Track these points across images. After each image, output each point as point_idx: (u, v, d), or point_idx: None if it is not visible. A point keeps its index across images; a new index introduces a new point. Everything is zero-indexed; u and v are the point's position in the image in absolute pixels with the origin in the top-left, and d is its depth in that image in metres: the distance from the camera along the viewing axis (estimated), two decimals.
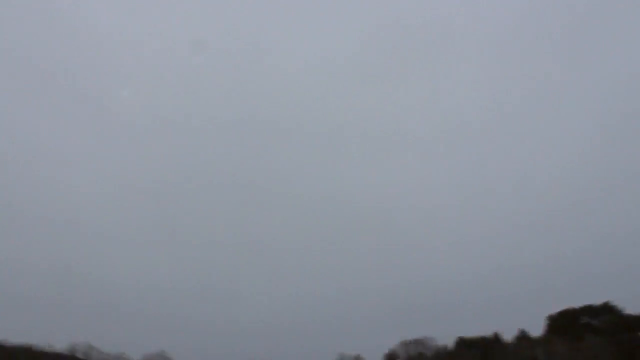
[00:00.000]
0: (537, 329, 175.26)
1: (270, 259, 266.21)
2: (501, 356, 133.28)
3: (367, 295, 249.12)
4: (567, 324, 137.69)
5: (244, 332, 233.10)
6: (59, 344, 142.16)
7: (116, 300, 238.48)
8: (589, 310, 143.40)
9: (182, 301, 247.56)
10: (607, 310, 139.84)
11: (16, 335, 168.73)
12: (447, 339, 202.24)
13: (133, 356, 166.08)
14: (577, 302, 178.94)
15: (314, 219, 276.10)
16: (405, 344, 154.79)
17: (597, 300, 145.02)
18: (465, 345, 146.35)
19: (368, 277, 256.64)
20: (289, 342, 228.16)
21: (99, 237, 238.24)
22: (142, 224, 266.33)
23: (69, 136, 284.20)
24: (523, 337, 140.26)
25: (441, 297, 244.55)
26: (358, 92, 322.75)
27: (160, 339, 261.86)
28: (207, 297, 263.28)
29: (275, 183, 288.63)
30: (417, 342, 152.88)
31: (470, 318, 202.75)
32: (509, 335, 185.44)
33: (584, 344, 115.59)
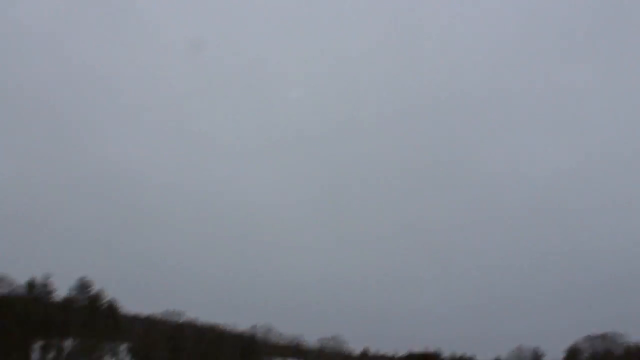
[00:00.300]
0: None
1: (445, 244, 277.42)
2: None
3: (548, 284, 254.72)
4: None
5: (418, 318, 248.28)
6: (242, 325, 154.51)
7: (295, 288, 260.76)
8: None
9: (359, 289, 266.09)
10: None
11: (204, 315, 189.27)
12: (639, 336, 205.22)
13: (309, 339, 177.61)
14: None
15: (495, 202, 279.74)
16: (591, 339, 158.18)
17: None
18: None
19: (549, 263, 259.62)
20: (465, 331, 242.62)
21: (277, 229, 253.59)
22: (316, 217, 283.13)
23: (244, 134, 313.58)
24: None
25: (633, 289, 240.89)
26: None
27: (335, 325, 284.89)
28: (383, 285, 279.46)
29: (443, 167, 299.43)
30: (603, 338, 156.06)
31: None
32: None
33: None
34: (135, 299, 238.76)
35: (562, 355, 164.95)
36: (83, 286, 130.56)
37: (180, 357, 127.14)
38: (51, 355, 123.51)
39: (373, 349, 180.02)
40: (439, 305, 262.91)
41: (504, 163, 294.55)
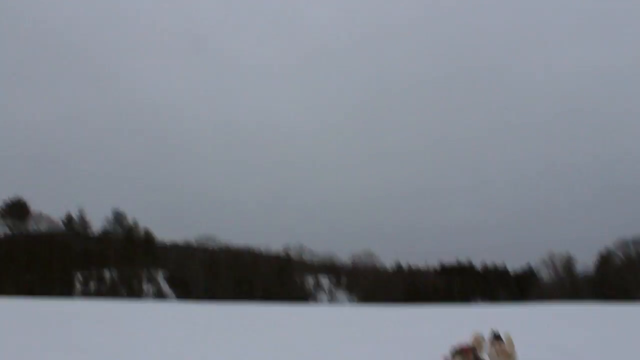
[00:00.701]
0: None
1: (476, 155, 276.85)
2: None
3: (580, 189, 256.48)
4: None
5: (450, 231, 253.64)
6: (275, 246, 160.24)
7: (327, 207, 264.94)
8: None
9: (390, 204, 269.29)
10: None
11: (238, 239, 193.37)
12: None
13: (341, 256, 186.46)
14: None
15: (528, 108, 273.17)
16: (623, 243, 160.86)
17: None
18: None
19: (580, 167, 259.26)
20: (496, 241, 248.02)
21: (307, 149, 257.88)
22: (347, 135, 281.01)
23: (271, 54, 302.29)
24: None
25: None
26: None
27: (367, 240, 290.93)
28: (414, 200, 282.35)
29: (474, 73, 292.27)
30: (636, 242, 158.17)
31: None
32: None
33: None
34: (170, 229, 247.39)
35: (594, 260, 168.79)
36: (118, 218, 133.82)
37: (217, 281, 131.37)
38: (92, 284, 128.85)
39: (405, 263, 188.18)
40: (471, 217, 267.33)
41: (538, 66, 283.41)
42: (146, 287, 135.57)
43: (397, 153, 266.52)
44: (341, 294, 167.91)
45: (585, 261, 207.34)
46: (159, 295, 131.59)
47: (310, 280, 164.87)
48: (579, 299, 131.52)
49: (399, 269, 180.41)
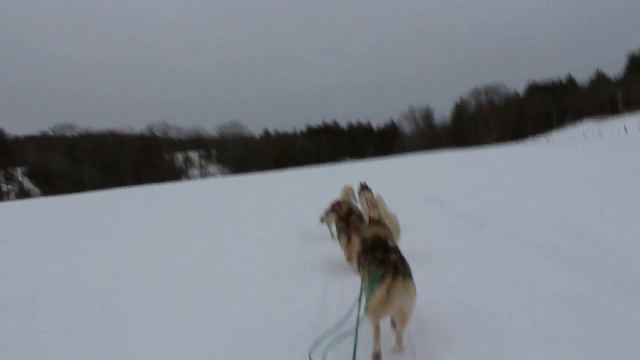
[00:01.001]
0: (615, 69, 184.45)
1: (334, 20, 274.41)
2: (575, 99, 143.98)
3: (435, 47, 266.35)
4: None
5: (317, 96, 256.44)
6: (139, 126, 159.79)
7: (190, 82, 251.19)
8: None
9: (251, 75, 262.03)
10: None
11: (100, 123, 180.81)
12: (518, 84, 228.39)
13: (208, 128, 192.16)
14: None
15: None
16: (475, 92, 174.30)
17: None
18: (537, 90, 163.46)
19: (433, 26, 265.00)
20: (361, 102, 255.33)
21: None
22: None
23: None
24: (599, 78, 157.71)
25: (512, 40, 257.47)
26: None
27: (232, 111, 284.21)
28: (274, 69, 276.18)
29: None
30: (487, 90, 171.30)
31: (542, 61, 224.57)
32: (583, 77, 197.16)
33: None
34: (24, 121, 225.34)
35: (450, 105, 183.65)
36: None
37: (81, 170, 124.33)
38: None
39: (273, 130, 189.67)
40: (334, 80, 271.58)
41: None
42: (6, 187, 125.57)
43: (253, 10, 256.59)
44: (212, 167, 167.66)
45: (443, 112, 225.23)
46: (22, 194, 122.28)
47: (179, 158, 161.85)
48: (438, 147, 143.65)
49: (267, 136, 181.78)
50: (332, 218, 10.51)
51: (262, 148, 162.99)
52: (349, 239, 8.36)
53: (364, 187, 13.13)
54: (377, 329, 4.47)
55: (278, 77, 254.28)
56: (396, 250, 4.97)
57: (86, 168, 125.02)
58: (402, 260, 4.79)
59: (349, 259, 8.31)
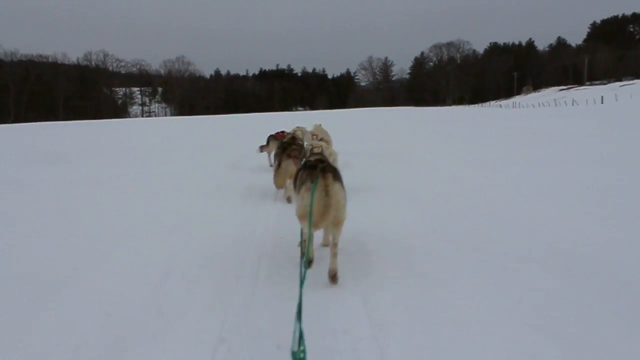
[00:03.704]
0: (576, 38, 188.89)
1: None
2: (536, 65, 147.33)
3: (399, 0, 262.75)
4: (612, 32, 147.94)
5: (271, 40, 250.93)
6: (73, 54, 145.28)
7: (133, 14, 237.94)
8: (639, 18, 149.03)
9: (204, 9, 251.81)
10: None
11: (29, 47, 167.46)
12: (479, 45, 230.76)
13: (151, 62, 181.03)
14: (625, 9, 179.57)
15: None
16: (437, 47, 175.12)
17: None
18: (497, 51, 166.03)
19: None
20: (318, 50, 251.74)
21: None
22: None
23: None
24: (560, 44, 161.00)
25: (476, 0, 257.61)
26: None
27: (180, 47, 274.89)
28: (229, 7, 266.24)
29: None
30: (449, 45, 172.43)
31: (505, 24, 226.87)
32: (545, 43, 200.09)
33: (631, 53, 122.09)
34: None
35: (410, 62, 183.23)
36: None
37: (6, 100, 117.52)
38: None
39: (225, 71, 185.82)
40: (291, 25, 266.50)
41: None
42: None
43: None
44: (156, 106, 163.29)
45: (402, 67, 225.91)
46: None
47: (119, 93, 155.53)
48: (394, 104, 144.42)
49: (217, 76, 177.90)
50: (274, 147, 10.69)
51: (211, 89, 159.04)
52: (279, 165, 8.44)
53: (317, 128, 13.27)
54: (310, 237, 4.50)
55: (232, 16, 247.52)
56: (329, 164, 5.13)
57: (10, 97, 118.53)
58: (334, 168, 4.97)
59: (277, 184, 8.42)
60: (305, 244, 4.66)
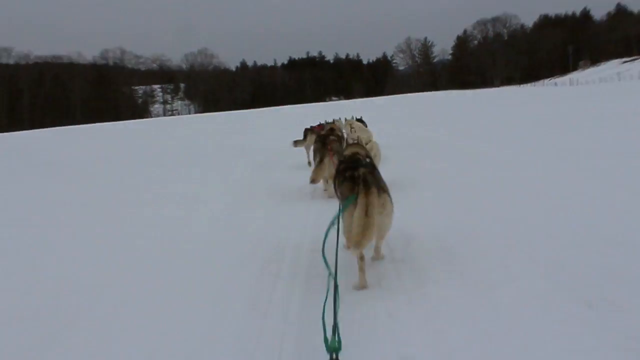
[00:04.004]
0: (637, 4, 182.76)
1: None
2: (591, 35, 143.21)
3: None
4: None
5: (300, 33, 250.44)
6: (89, 53, 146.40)
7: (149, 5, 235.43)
8: None
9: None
10: None
11: (42, 47, 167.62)
12: (528, 18, 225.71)
13: (172, 57, 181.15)
14: None
15: None
16: (481, 24, 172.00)
17: None
18: (549, 23, 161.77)
19: None
20: (352, 38, 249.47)
21: None
22: None
23: None
24: (620, 12, 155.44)
25: None
26: None
27: (200, 39, 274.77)
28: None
29: None
30: (494, 21, 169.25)
31: None
32: (602, 11, 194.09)
33: None
34: None
35: (452, 42, 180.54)
36: None
37: (21, 103, 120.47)
38: None
39: (251, 62, 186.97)
40: (320, 13, 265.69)
41: None
42: None
43: None
44: (179, 104, 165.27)
45: (443, 47, 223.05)
46: None
47: (139, 92, 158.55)
48: (437, 87, 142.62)
49: (243, 68, 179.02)
50: (311, 141, 10.50)
51: (237, 82, 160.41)
52: (321, 160, 8.41)
53: (355, 120, 13.37)
54: (361, 258, 4.57)
55: (257, 2, 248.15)
56: (368, 165, 5.16)
57: (26, 101, 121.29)
58: (374, 173, 4.98)
59: (313, 179, 8.39)
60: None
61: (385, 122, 24.60)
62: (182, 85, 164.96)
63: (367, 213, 4.37)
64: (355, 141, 6.80)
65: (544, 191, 7.46)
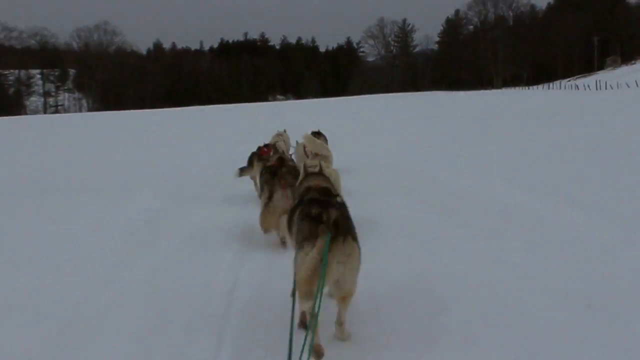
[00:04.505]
0: None
1: None
2: (623, 23, 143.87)
3: None
4: None
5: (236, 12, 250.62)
6: None
7: None
8: None
9: None
10: None
11: None
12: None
13: (59, 32, 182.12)
14: None
15: None
16: (479, 3, 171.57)
17: None
18: (568, 5, 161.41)
19: None
20: (305, 12, 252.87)
21: None
22: None
23: None
24: None
25: None
26: None
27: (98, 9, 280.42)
28: None
29: None
30: (496, 1, 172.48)
31: None
32: None
33: None
34: None
35: (439, 27, 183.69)
36: None
37: None
38: None
39: (167, 43, 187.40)
40: None
41: None
42: None
43: None
44: (67, 96, 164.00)
45: (427, 33, 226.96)
46: None
47: (10, 78, 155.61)
48: (416, 87, 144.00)
49: (158, 51, 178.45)
50: (258, 169, 11.08)
51: (148, 70, 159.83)
52: (270, 196, 8.55)
53: (313, 134, 13.92)
54: (312, 317, 4.56)
55: None
56: (339, 206, 5.32)
57: None
58: (347, 218, 5.20)
59: (265, 226, 8.52)
60: (304, 319, 4.99)
61: (346, 134, 24.48)
62: (71, 71, 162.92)
63: (321, 259, 4.50)
64: (316, 169, 6.73)
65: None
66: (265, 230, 8.48)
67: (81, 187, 15.22)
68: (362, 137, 25.96)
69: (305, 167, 6.83)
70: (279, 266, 7.06)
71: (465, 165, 15.55)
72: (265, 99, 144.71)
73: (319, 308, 4.43)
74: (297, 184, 6.91)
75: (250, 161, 12.86)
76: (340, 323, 5.08)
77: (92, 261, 8.05)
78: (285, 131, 15.12)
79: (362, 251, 5.02)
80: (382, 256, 7.19)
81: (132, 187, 14.11)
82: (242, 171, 13.02)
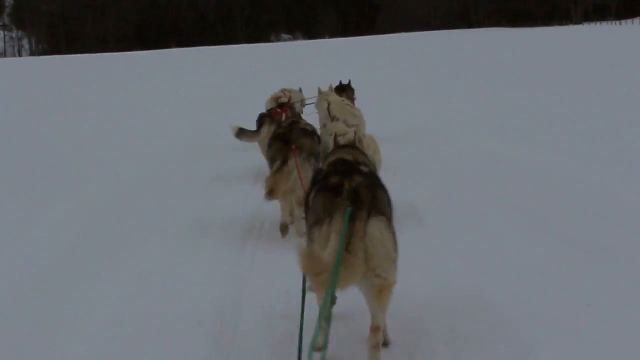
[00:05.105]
0: None
1: None
2: None
3: None
4: None
5: None
6: None
7: None
8: None
9: None
10: None
11: None
12: None
13: None
14: None
15: None
16: None
17: None
18: None
19: None
20: None
21: None
22: None
23: None
24: None
25: None
26: None
27: None
28: None
29: None
30: None
31: None
32: None
33: None
34: None
35: None
36: None
37: None
38: None
39: None
40: None
41: None
42: None
43: None
44: (2, 35, 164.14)
45: None
46: None
47: None
48: (469, 23, 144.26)
49: None
50: (266, 134, 11.00)
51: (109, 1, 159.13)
52: (285, 161, 8.48)
53: (337, 89, 13.79)
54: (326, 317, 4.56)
55: None
56: (367, 175, 5.29)
57: None
58: (374, 188, 5.08)
59: (269, 190, 8.40)
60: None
61: (378, 89, 24.23)
62: (7, 3, 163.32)
63: (348, 247, 4.44)
64: (349, 141, 6.48)
65: None
66: (269, 192, 8.31)
67: None
68: (398, 95, 25.62)
69: (335, 137, 6.78)
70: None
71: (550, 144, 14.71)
72: (267, 39, 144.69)
73: (330, 307, 4.41)
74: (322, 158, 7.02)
75: (259, 123, 12.27)
76: (375, 329, 4.87)
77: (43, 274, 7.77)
78: (300, 90, 14.47)
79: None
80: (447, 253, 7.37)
81: (72, 179, 13.26)
82: (243, 134, 12.30)
